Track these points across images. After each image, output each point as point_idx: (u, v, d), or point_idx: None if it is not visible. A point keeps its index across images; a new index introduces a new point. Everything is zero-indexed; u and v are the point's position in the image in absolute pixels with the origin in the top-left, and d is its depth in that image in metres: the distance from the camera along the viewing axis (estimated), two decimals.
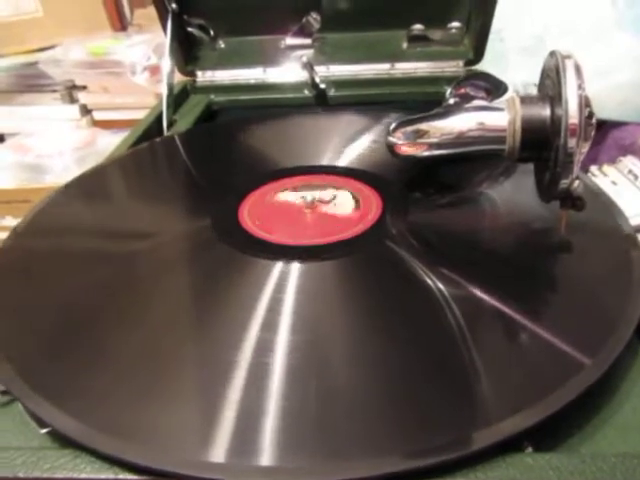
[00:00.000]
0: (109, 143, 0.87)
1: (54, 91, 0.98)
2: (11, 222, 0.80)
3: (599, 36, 0.76)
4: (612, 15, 0.76)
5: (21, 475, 0.21)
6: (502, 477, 0.20)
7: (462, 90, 0.41)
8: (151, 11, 1.09)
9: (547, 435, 0.22)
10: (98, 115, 1.00)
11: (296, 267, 0.30)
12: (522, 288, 0.28)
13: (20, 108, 1.00)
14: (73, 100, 0.99)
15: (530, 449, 0.21)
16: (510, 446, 0.21)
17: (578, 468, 0.20)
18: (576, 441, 0.23)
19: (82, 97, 0.98)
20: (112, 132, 0.91)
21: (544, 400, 0.22)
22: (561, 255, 0.31)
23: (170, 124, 0.53)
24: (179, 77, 0.60)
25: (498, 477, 0.20)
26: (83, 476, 0.20)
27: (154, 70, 0.93)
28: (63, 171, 0.83)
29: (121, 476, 0.20)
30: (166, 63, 0.55)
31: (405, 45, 0.59)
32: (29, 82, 1.00)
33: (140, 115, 0.93)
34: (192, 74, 0.60)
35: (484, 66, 0.59)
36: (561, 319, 0.27)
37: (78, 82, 0.98)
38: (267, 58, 0.60)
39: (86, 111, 1.00)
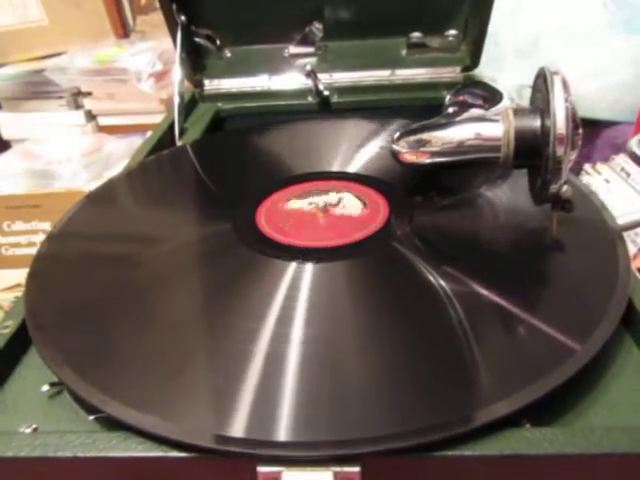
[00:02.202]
0: (116, 148, 0.89)
1: (60, 97, 1.01)
2: (21, 227, 0.81)
3: (591, 38, 0.78)
4: (604, 18, 0.78)
5: (80, 455, 0.23)
6: (503, 449, 0.23)
7: (460, 98, 0.44)
8: (153, 18, 1.12)
9: (545, 413, 0.25)
10: (103, 120, 1.03)
11: (309, 267, 0.32)
12: (520, 283, 0.31)
13: (26, 114, 1.03)
14: (78, 106, 1.01)
15: (528, 425, 0.24)
16: (510, 423, 0.24)
17: (570, 440, 0.23)
18: (569, 418, 0.25)
19: (87, 103, 1.00)
20: (118, 137, 0.93)
21: (537, 383, 0.24)
22: (554, 253, 0.34)
23: (181, 132, 0.55)
24: (186, 85, 0.63)
25: (499, 449, 0.23)
26: (135, 454, 0.23)
27: (159, 77, 0.96)
28: (72, 177, 0.85)
29: (169, 454, 0.23)
30: (177, 73, 0.58)
31: (404, 52, 0.62)
32: (35, 89, 1.02)
33: (145, 120, 0.97)
34: (200, 83, 0.63)
35: (479, 69, 0.62)
36: (555, 310, 0.29)
37: (84, 89, 1.00)
38: (272, 66, 0.63)
39: (91, 117, 1.02)
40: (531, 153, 0.32)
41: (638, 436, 0.23)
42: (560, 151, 0.29)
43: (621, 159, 0.68)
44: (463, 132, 0.34)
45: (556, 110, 0.29)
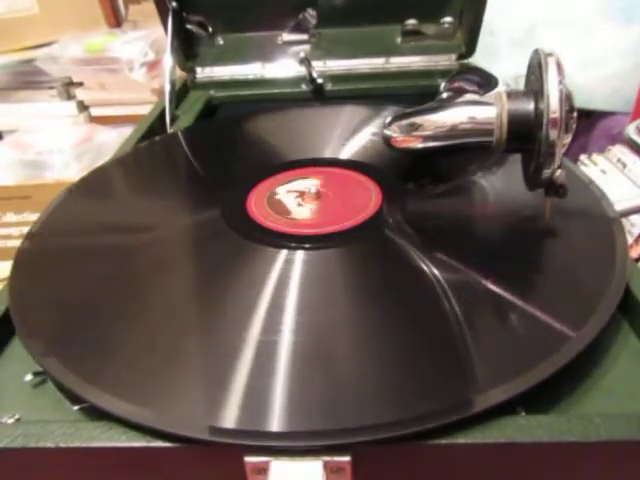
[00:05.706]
0: (108, 138, 0.88)
1: (51, 88, 0.99)
2: (12, 218, 0.81)
3: (588, 28, 0.78)
4: (600, 6, 0.78)
5: (62, 445, 0.23)
6: (498, 437, 0.22)
7: (456, 84, 0.43)
8: (145, 7, 1.11)
9: (540, 400, 0.24)
10: (95, 111, 1.01)
11: (301, 254, 0.32)
12: (514, 270, 0.31)
13: (17, 105, 1.01)
14: (70, 97, 1.00)
15: (523, 413, 0.24)
16: (505, 410, 0.23)
17: (566, 427, 0.22)
18: (566, 405, 0.25)
19: (79, 93, 0.99)
20: (110, 127, 0.92)
21: (533, 370, 0.24)
22: (551, 239, 0.33)
23: (172, 120, 0.54)
24: (178, 73, 0.62)
25: (494, 437, 0.22)
26: (119, 444, 0.23)
27: (151, 66, 0.94)
28: (63, 167, 0.84)
29: (153, 444, 0.22)
30: (167, 60, 0.57)
31: (399, 40, 0.61)
32: (26, 79, 1.00)
33: (137, 110, 0.95)
34: (192, 70, 0.62)
35: (475, 59, 0.61)
36: (551, 297, 0.29)
37: (75, 79, 0.98)
38: (265, 54, 0.62)
39: (83, 107, 1.01)
40: (524, 136, 0.31)
41: (635, 423, 0.22)
42: (553, 134, 0.28)
43: (617, 150, 0.67)
44: (456, 115, 0.33)
45: (549, 92, 0.28)
